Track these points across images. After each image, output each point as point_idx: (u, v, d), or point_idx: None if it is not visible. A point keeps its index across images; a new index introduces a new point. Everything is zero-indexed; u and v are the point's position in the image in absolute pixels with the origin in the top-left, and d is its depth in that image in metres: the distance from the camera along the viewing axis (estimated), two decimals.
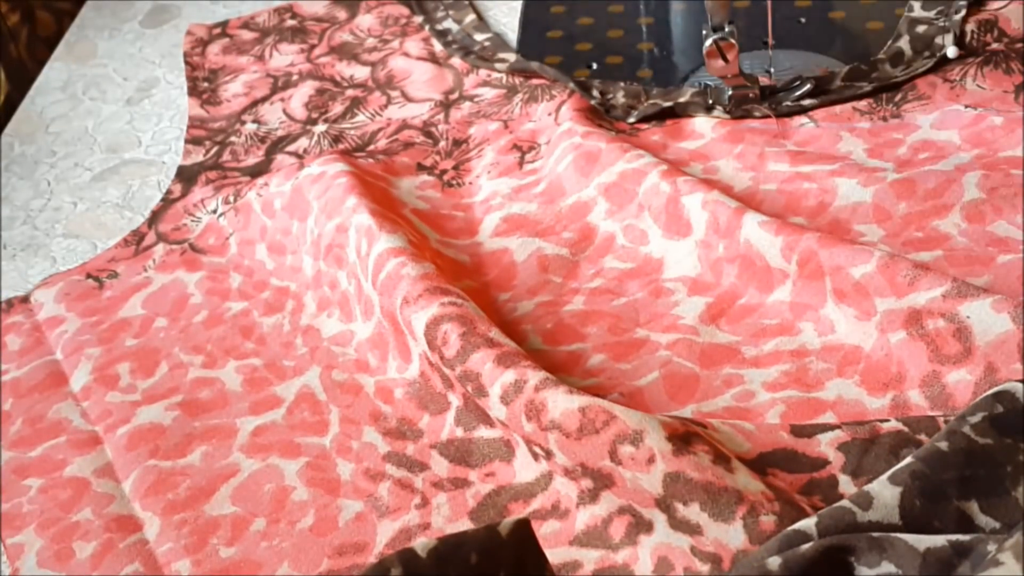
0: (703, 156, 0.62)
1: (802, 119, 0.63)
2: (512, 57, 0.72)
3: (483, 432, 0.50)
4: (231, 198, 0.65)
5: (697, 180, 0.57)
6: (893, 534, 0.36)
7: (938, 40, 0.65)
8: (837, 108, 0.63)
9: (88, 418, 0.55)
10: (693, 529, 0.42)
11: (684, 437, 0.43)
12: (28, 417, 0.55)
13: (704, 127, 0.64)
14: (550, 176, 0.62)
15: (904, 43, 0.66)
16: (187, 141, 0.70)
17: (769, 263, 0.52)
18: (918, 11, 0.68)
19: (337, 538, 0.48)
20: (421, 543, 0.38)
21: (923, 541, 0.36)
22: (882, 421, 0.45)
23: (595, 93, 0.67)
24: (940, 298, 0.47)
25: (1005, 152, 0.57)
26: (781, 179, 0.58)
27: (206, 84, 0.74)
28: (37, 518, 0.50)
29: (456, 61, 0.73)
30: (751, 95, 0.63)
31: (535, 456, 0.47)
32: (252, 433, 0.53)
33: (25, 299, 0.62)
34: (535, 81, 0.69)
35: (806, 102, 0.63)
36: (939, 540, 0.36)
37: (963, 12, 0.66)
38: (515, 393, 0.46)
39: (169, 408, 0.54)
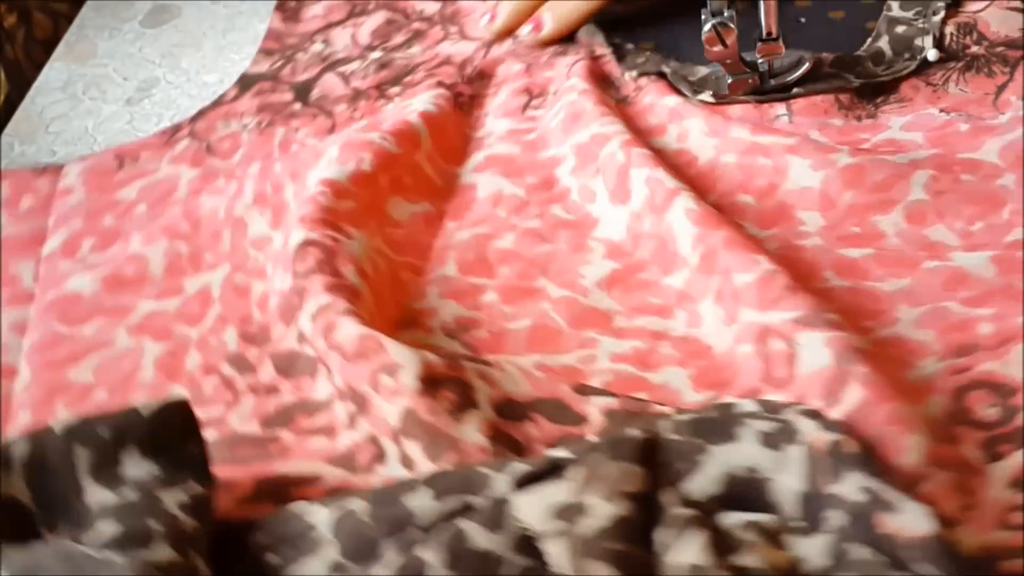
0: (679, 116, 0.62)
1: (779, 109, 0.61)
2: None
3: (308, 349, 0.51)
4: (263, 122, 0.68)
5: (650, 155, 0.57)
6: None
7: (917, 41, 0.63)
8: (819, 98, 0.61)
9: (36, 279, 0.60)
10: (411, 466, 0.44)
11: (436, 380, 0.45)
12: None
13: None
14: (543, 128, 0.63)
15: (884, 43, 0.64)
16: (259, 51, 0.74)
17: (678, 249, 0.52)
18: (896, 11, 0.65)
19: None
20: (60, 419, 0.40)
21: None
22: (659, 404, 0.45)
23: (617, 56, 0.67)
24: (790, 321, 0.46)
25: (963, 154, 0.55)
26: (740, 149, 0.58)
27: (293, 3, 0.77)
28: None
29: None
30: (750, 81, 0.62)
31: (327, 375, 0.49)
32: (144, 315, 0.56)
33: (59, 168, 0.68)
34: (575, 36, 0.69)
35: (795, 89, 0.62)
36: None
37: (942, 14, 0.64)
38: (320, 313, 0.49)
39: (94, 281, 0.59)
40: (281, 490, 0.46)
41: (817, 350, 0.44)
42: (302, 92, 0.70)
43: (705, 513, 0.36)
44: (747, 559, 0.35)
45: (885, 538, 0.35)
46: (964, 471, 0.41)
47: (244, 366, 0.53)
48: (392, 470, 0.45)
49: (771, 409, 0.40)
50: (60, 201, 0.65)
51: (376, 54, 0.72)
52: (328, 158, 0.59)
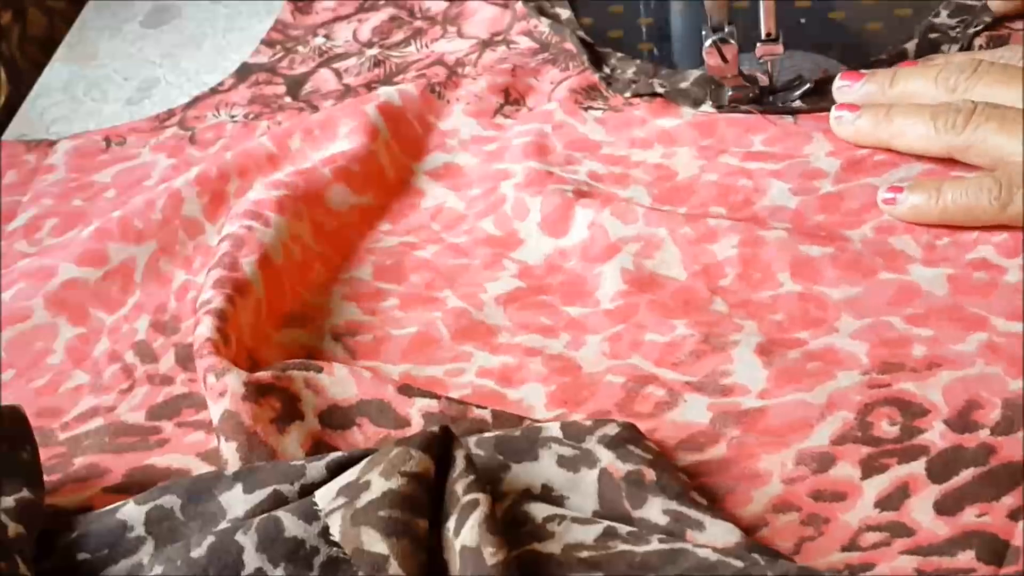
0: (670, 139, 0.61)
1: (785, 118, 0.61)
2: (566, 13, 0.70)
3: None
4: (250, 115, 0.68)
5: (603, 197, 0.57)
6: None
7: (943, 48, 0.62)
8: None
9: None
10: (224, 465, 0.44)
11: (261, 388, 0.45)
12: None
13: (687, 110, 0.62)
14: (505, 141, 0.62)
15: (911, 45, 0.62)
16: (262, 41, 0.74)
17: (596, 293, 0.53)
18: (943, 18, 0.64)
19: (46, 402, 0.51)
20: None
21: None
22: (478, 407, 0.45)
23: (606, 69, 0.66)
24: (684, 383, 0.47)
25: (956, 172, 0.54)
26: (724, 172, 0.58)
27: None
28: None
29: (519, 4, 0.71)
30: (751, 95, 0.61)
31: None
32: (63, 284, 0.56)
33: (51, 143, 0.69)
34: (567, 46, 0.68)
35: (796, 104, 0.61)
36: None
37: (980, 27, 0.62)
38: (199, 308, 0.50)
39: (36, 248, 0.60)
40: (149, 482, 0.45)
41: (699, 410, 0.46)
42: (294, 86, 0.70)
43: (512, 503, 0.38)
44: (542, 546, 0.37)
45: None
46: (823, 500, 0.42)
47: (147, 355, 0.53)
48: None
49: (574, 436, 0.40)
50: (40, 178, 0.66)
51: (373, 51, 0.71)
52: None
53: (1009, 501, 0.40)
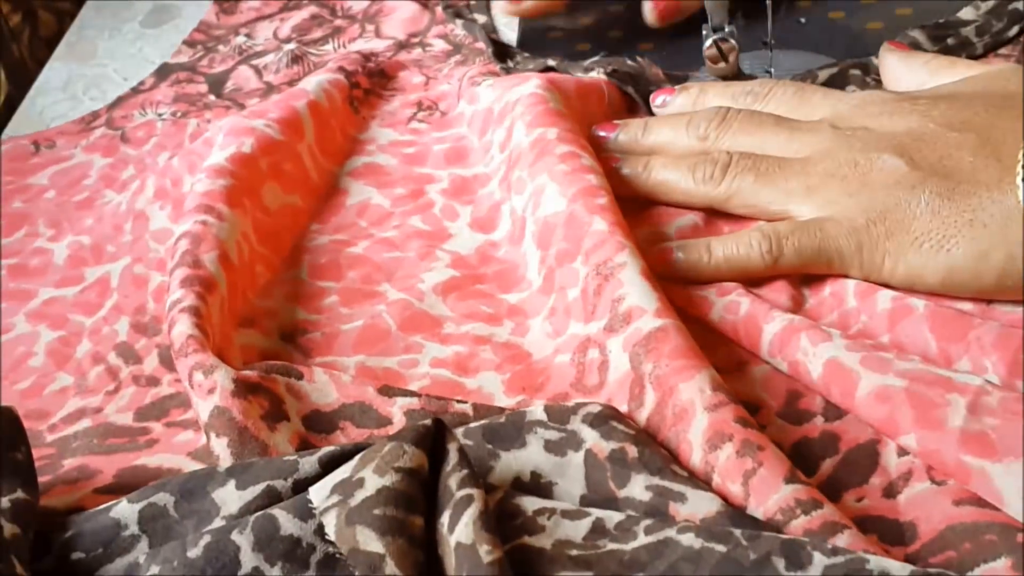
0: None
1: None
2: (483, 18, 0.73)
3: None
4: (177, 113, 0.69)
5: (520, 180, 0.57)
6: None
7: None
8: None
9: None
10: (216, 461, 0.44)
11: (249, 386, 0.45)
12: None
13: None
14: (424, 144, 0.64)
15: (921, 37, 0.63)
16: (183, 42, 0.76)
17: (526, 273, 0.53)
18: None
19: (33, 405, 0.52)
20: None
21: None
22: (459, 402, 0.45)
23: (509, 63, 0.68)
24: (602, 330, 0.46)
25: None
26: None
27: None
28: None
29: (440, 8, 0.74)
30: None
31: None
32: (44, 302, 0.58)
33: None
34: (478, 45, 0.70)
35: None
36: None
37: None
38: (170, 308, 0.49)
39: (1, 268, 0.60)
40: (140, 483, 0.45)
41: (619, 355, 0.45)
42: (216, 84, 0.71)
43: (503, 495, 0.38)
44: (533, 540, 0.37)
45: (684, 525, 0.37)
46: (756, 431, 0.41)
47: (131, 356, 0.54)
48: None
49: (558, 419, 0.41)
50: None
51: (290, 46, 0.73)
52: (216, 146, 0.59)
53: (877, 481, 0.41)
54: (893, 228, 0.46)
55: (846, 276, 0.48)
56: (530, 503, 0.38)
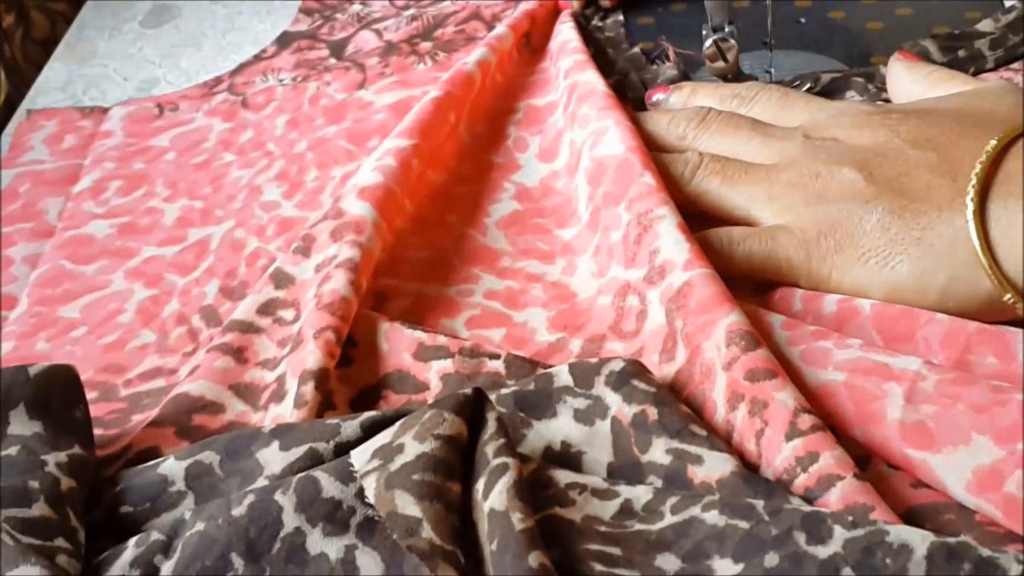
0: None
1: None
2: None
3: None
4: (298, 77, 0.70)
5: (580, 116, 0.58)
6: None
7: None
8: None
9: (61, 216, 0.63)
10: (303, 407, 0.45)
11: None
12: (27, 201, 0.65)
13: None
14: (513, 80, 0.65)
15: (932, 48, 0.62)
16: (299, 10, 0.76)
17: (577, 208, 0.54)
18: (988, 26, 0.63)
19: (114, 359, 0.53)
20: None
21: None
22: (491, 358, 0.46)
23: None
24: (642, 279, 0.47)
25: None
26: None
27: None
28: None
29: None
30: None
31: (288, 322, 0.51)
32: (144, 260, 0.59)
33: (104, 110, 0.71)
34: None
35: None
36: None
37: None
38: (325, 263, 0.51)
39: (112, 226, 0.62)
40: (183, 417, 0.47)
41: (657, 308, 0.46)
42: (337, 49, 0.72)
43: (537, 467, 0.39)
44: (564, 511, 0.37)
45: (703, 486, 0.38)
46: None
47: (212, 319, 0.54)
48: (283, 409, 0.45)
49: (583, 382, 0.42)
50: (99, 143, 0.69)
51: (409, 11, 0.74)
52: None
53: None
54: (843, 242, 0.46)
55: (796, 285, 0.48)
56: (563, 476, 0.38)
